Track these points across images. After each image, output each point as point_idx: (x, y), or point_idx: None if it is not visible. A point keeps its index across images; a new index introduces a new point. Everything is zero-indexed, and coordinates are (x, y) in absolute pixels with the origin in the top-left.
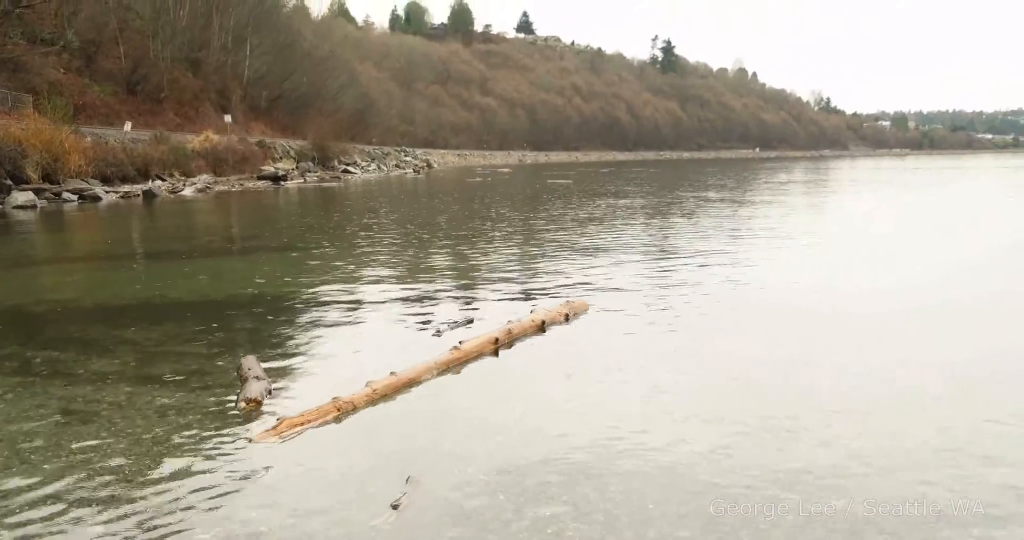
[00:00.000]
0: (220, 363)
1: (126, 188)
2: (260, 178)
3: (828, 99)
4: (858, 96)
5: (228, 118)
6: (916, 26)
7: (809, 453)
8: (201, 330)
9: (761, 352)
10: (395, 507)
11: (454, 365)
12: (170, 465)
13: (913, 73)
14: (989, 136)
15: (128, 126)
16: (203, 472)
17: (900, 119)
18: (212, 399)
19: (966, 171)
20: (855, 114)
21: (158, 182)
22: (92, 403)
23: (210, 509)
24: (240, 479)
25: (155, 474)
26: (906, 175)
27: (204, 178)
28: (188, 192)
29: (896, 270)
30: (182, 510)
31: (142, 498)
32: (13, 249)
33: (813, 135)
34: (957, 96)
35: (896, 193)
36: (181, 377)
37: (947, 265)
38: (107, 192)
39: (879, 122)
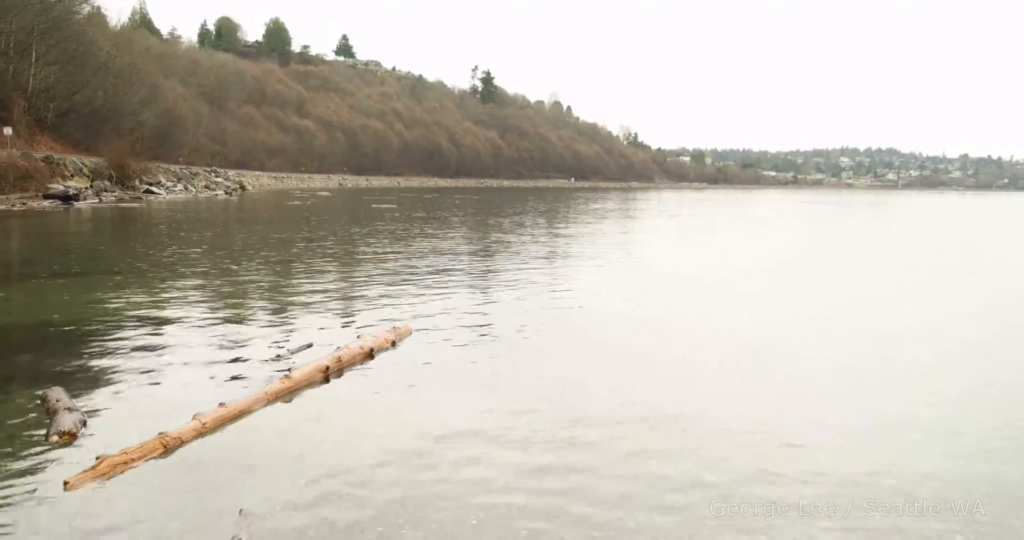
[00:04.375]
0: (2, 400)
1: None
2: (47, 197)
3: (636, 134)
4: (661, 132)
5: (8, 131)
6: (710, 67)
7: (620, 471)
8: None
9: (575, 373)
10: None
11: (284, 394)
12: None
13: (709, 113)
14: (773, 173)
15: None
16: (5, 526)
17: (698, 155)
18: (13, 440)
19: (763, 204)
20: (659, 149)
21: None
22: None
23: None
24: (53, 531)
25: None
26: (706, 206)
27: None
28: None
29: (704, 294)
30: None
31: None
32: None
33: (623, 167)
34: (746, 136)
35: (693, 222)
36: None
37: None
38: None
39: (680, 157)
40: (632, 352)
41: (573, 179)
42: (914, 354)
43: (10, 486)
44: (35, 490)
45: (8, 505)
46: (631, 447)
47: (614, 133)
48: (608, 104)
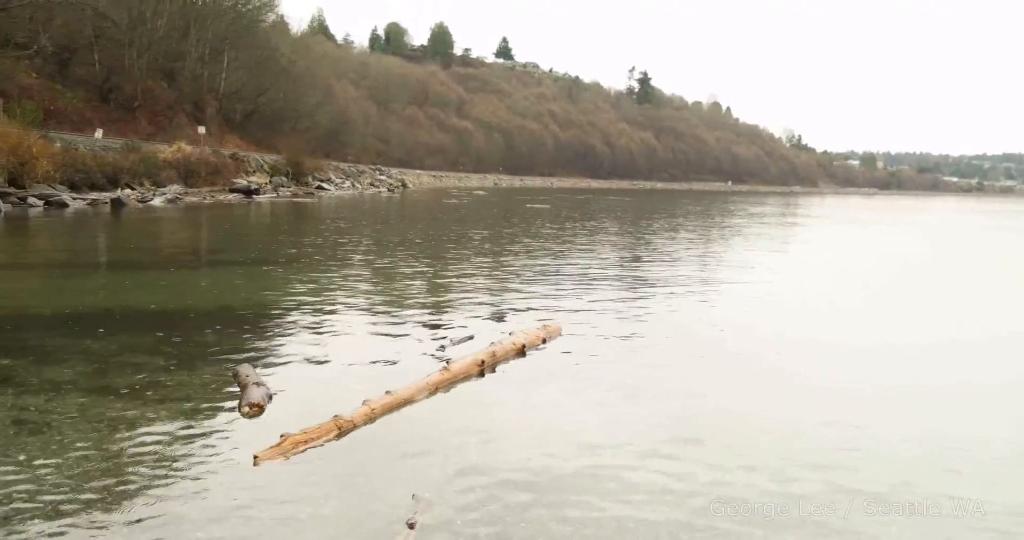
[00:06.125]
0: (185, 375)
1: (94, 196)
2: (232, 191)
3: (799, 136)
4: (828, 135)
5: (202, 129)
6: (886, 68)
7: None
8: (164, 341)
9: (718, 388)
10: (411, 526)
11: (444, 385)
12: (160, 478)
13: (882, 114)
14: (955, 179)
15: (99, 133)
16: (199, 491)
17: (869, 159)
18: (201, 412)
19: (938, 213)
20: (825, 152)
21: (127, 191)
22: (45, 413)
23: (212, 530)
24: (245, 502)
25: (135, 489)
26: (875, 213)
27: (175, 188)
28: (157, 202)
29: (864, 320)
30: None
31: (109, 516)
32: None
33: (784, 171)
34: (924, 139)
35: (860, 233)
36: (145, 389)
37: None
38: (74, 199)
39: (848, 161)
40: (787, 370)
41: (730, 182)
42: None
43: (209, 453)
44: (229, 460)
45: (206, 472)
46: (779, 466)
47: (776, 135)
48: (770, 105)
